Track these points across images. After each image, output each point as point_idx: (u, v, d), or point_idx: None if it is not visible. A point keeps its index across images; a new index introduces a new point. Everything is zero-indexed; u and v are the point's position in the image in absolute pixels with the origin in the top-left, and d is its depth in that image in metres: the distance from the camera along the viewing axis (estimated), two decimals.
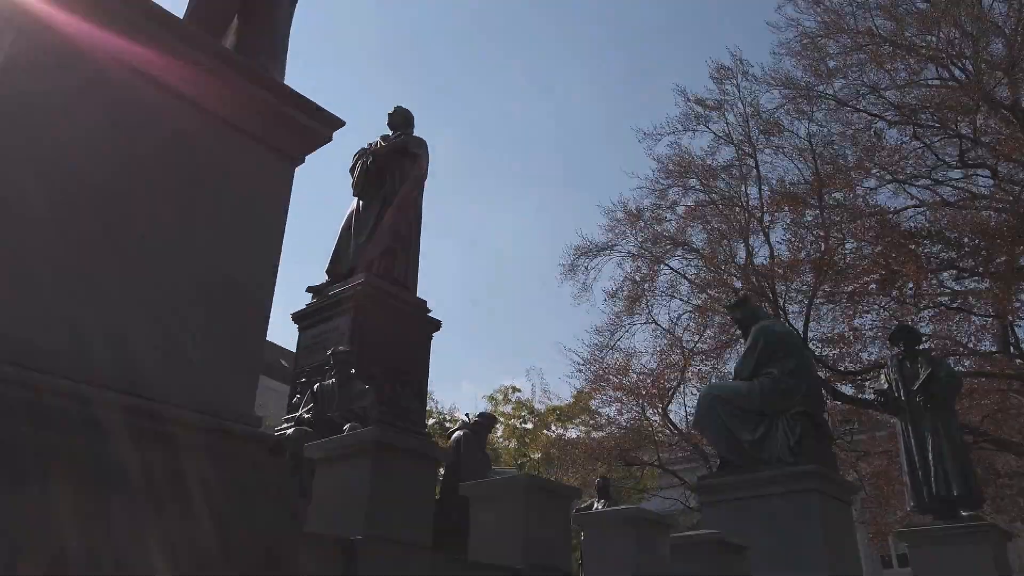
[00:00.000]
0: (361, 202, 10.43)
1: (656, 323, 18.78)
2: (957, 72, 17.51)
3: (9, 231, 2.15)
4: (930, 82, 17.84)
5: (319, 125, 3.11)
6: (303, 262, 23.85)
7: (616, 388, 18.49)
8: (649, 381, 18.88)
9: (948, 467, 9.87)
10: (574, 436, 22.34)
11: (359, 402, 7.61)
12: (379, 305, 9.43)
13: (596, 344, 19.44)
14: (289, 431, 6.19)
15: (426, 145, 10.94)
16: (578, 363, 20.32)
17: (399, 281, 9.97)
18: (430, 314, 10.23)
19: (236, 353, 2.65)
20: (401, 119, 11.16)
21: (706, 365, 17.65)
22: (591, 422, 22.47)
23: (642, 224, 19.02)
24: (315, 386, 8.04)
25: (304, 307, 9.89)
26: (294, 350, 9.94)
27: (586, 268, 19.92)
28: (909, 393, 10.51)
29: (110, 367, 2.28)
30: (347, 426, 6.33)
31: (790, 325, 15.70)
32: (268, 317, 2.83)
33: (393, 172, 10.50)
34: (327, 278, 10.07)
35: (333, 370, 8.08)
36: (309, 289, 10.07)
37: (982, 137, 15.98)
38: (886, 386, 10.93)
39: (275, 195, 2.96)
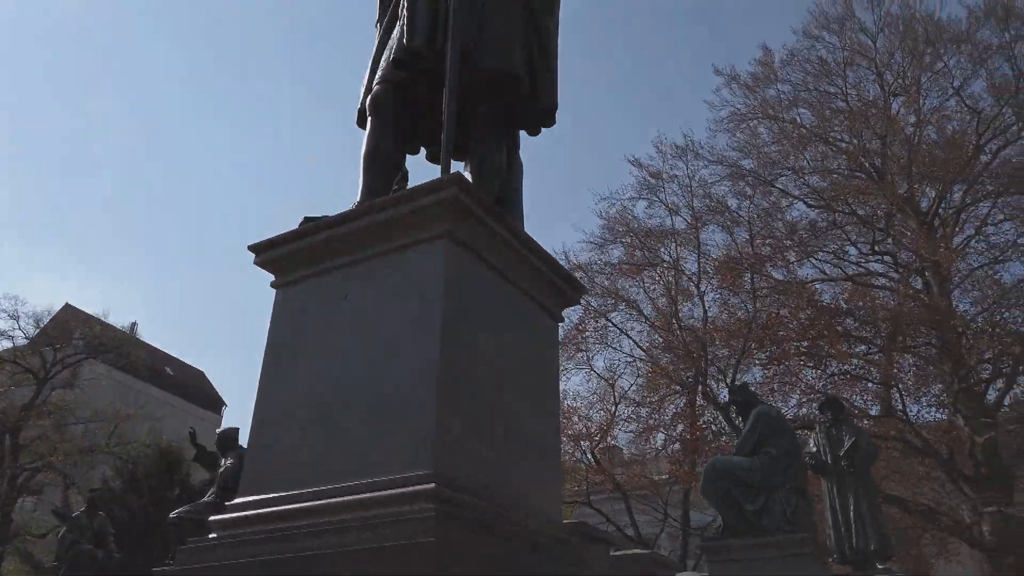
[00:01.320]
0: None
1: (592, 368, 20.14)
2: (868, 166, 19.95)
3: (483, 406, 3.09)
4: (845, 174, 20.22)
5: (576, 293, 4.12)
6: None
7: None
8: (577, 420, 20.17)
9: (867, 524, 11.61)
10: None
11: None
12: None
13: None
14: None
15: None
16: None
17: None
18: None
19: (555, 475, 3.63)
20: None
21: (653, 420, 19.07)
22: None
23: (584, 277, 20.30)
24: None
25: None
26: None
27: None
28: (835, 458, 12.24)
29: (502, 494, 3.21)
30: None
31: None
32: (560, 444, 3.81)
33: None
34: None
35: None
36: None
37: (891, 230, 18.34)
38: (815, 450, 12.66)
39: (556, 351, 3.94)
